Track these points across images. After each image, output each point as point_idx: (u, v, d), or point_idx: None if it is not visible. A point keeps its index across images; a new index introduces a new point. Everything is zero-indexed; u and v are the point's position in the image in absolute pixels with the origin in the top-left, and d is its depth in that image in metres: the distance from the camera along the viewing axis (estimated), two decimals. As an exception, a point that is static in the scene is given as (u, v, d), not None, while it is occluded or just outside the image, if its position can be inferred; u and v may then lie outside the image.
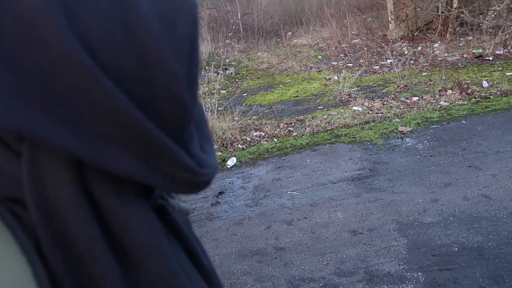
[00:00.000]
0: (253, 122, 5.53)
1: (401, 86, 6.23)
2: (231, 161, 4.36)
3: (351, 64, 8.76)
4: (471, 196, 3.12)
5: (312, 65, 9.31)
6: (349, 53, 9.70)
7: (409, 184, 3.47)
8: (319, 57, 10.25)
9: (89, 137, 0.31)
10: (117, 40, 0.31)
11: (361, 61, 8.77)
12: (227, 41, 11.99)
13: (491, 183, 3.25)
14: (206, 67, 9.06)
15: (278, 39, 13.67)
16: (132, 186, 0.37)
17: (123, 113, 0.31)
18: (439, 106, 5.18)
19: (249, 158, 4.47)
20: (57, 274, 0.34)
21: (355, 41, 10.69)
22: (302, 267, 2.61)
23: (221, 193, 3.78)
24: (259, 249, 2.86)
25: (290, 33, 14.36)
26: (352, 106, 5.60)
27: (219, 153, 4.69)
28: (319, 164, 4.10)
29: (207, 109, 5.12)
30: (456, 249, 2.58)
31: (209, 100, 5.29)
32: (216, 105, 5.25)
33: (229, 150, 4.77)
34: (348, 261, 2.62)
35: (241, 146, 4.81)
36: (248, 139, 4.98)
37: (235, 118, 5.54)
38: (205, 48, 9.99)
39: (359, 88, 6.69)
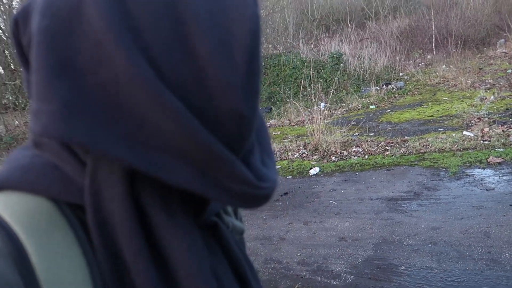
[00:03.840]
0: (358, 138, 6.14)
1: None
2: (314, 170, 5.27)
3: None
4: (471, 231, 3.22)
5: (491, 81, 8.66)
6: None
7: (434, 211, 3.70)
8: (509, 70, 9.30)
9: (146, 148, 0.33)
10: (177, 54, 0.33)
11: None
12: (414, 53, 11.97)
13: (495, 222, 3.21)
14: (371, 82, 9.65)
15: (485, 48, 12.61)
16: (181, 203, 0.39)
17: (183, 125, 0.32)
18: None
19: (331, 170, 5.26)
20: (106, 280, 0.37)
21: None
22: (282, 253, 3.50)
23: (286, 193, 4.81)
24: (269, 236, 3.85)
25: (502, 40, 12.94)
26: (463, 131, 5.48)
27: (313, 162, 5.63)
28: (378, 183, 4.58)
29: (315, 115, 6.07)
30: (403, 268, 2.97)
31: (333, 112, 6.20)
32: (325, 119, 6.12)
33: (323, 161, 5.64)
34: (313, 256, 3.35)
35: (334, 159, 5.60)
36: (345, 153, 5.70)
37: (351, 134, 6.26)
38: (381, 61, 10.49)
39: (506, 111, 6.21)
